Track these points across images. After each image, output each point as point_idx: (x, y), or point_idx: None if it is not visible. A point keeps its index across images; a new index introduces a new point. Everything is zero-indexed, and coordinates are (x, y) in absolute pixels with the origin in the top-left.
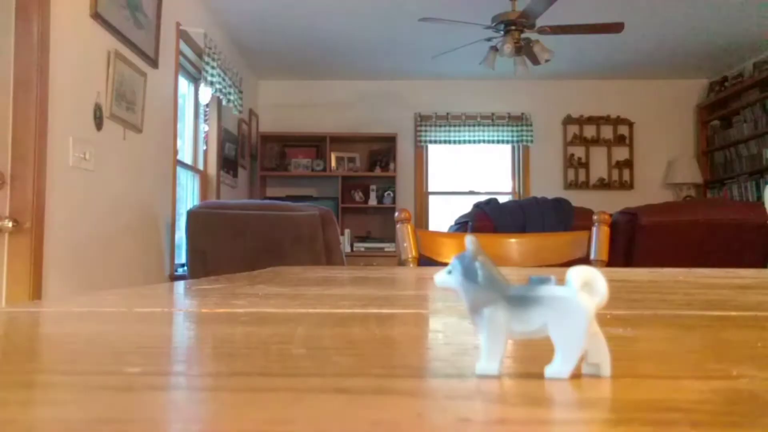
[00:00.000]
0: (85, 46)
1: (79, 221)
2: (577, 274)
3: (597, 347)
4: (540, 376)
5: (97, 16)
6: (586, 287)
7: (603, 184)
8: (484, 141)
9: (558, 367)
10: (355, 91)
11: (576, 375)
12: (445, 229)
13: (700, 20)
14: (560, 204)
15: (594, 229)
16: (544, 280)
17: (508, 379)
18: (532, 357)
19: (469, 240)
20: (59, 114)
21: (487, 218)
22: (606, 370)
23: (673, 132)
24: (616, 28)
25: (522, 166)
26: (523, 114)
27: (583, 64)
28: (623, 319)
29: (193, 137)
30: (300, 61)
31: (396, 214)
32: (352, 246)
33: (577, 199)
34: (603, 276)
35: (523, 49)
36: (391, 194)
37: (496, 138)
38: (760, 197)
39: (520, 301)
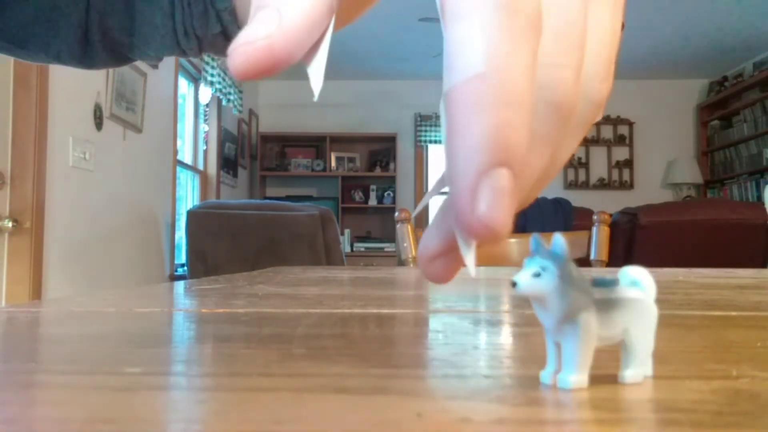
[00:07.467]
0: None
1: (79, 221)
2: (633, 274)
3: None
4: (538, 376)
5: None
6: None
7: (603, 184)
8: None
9: (634, 372)
10: (355, 91)
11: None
12: None
13: (700, 20)
14: (560, 204)
15: (594, 229)
16: (611, 281)
17: (508, 379)
18: (531, 357)
19: (558, 239)
20: (59, 114)
21: None
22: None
23: (673, 132)
24: None
25: None
26: None
27: None
28: None
29: (193, 137)
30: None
31: (396, 214)
32: (352, 246)
33: (577, 199)
34: (651, 276)
35: None
36: (391, 194)
37: None
38: (760, 197)
39: (605, 305)
